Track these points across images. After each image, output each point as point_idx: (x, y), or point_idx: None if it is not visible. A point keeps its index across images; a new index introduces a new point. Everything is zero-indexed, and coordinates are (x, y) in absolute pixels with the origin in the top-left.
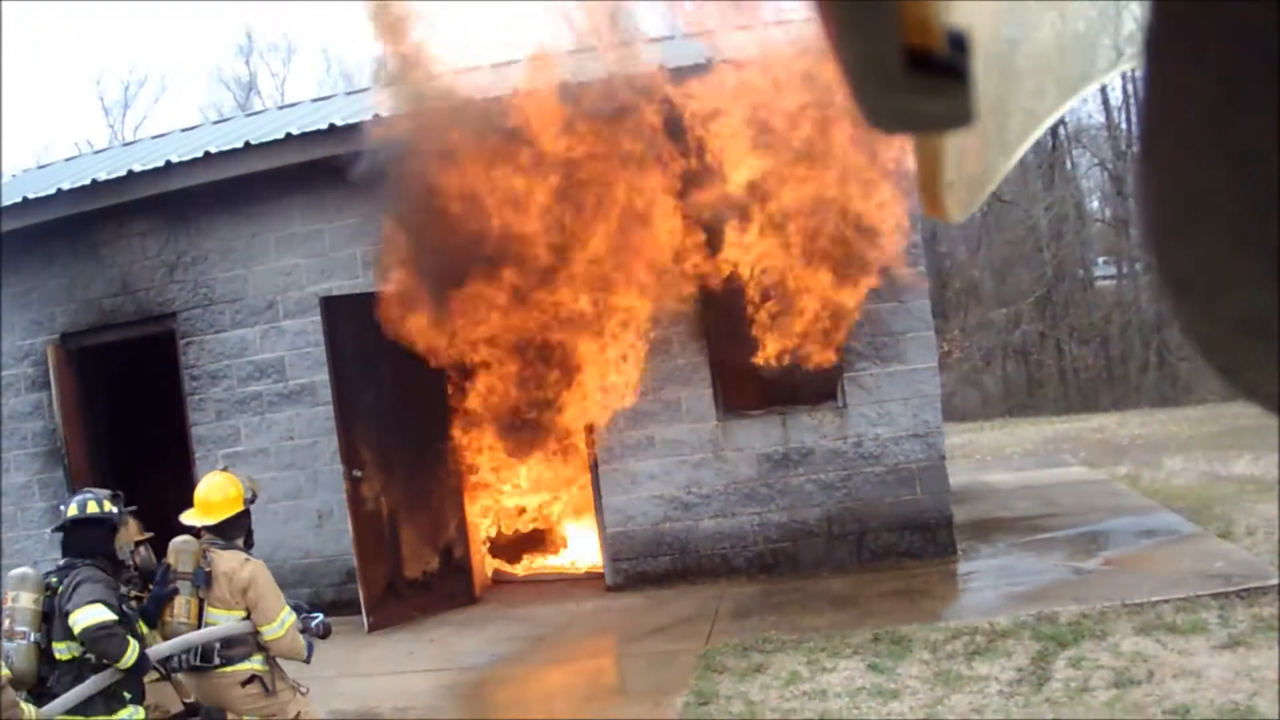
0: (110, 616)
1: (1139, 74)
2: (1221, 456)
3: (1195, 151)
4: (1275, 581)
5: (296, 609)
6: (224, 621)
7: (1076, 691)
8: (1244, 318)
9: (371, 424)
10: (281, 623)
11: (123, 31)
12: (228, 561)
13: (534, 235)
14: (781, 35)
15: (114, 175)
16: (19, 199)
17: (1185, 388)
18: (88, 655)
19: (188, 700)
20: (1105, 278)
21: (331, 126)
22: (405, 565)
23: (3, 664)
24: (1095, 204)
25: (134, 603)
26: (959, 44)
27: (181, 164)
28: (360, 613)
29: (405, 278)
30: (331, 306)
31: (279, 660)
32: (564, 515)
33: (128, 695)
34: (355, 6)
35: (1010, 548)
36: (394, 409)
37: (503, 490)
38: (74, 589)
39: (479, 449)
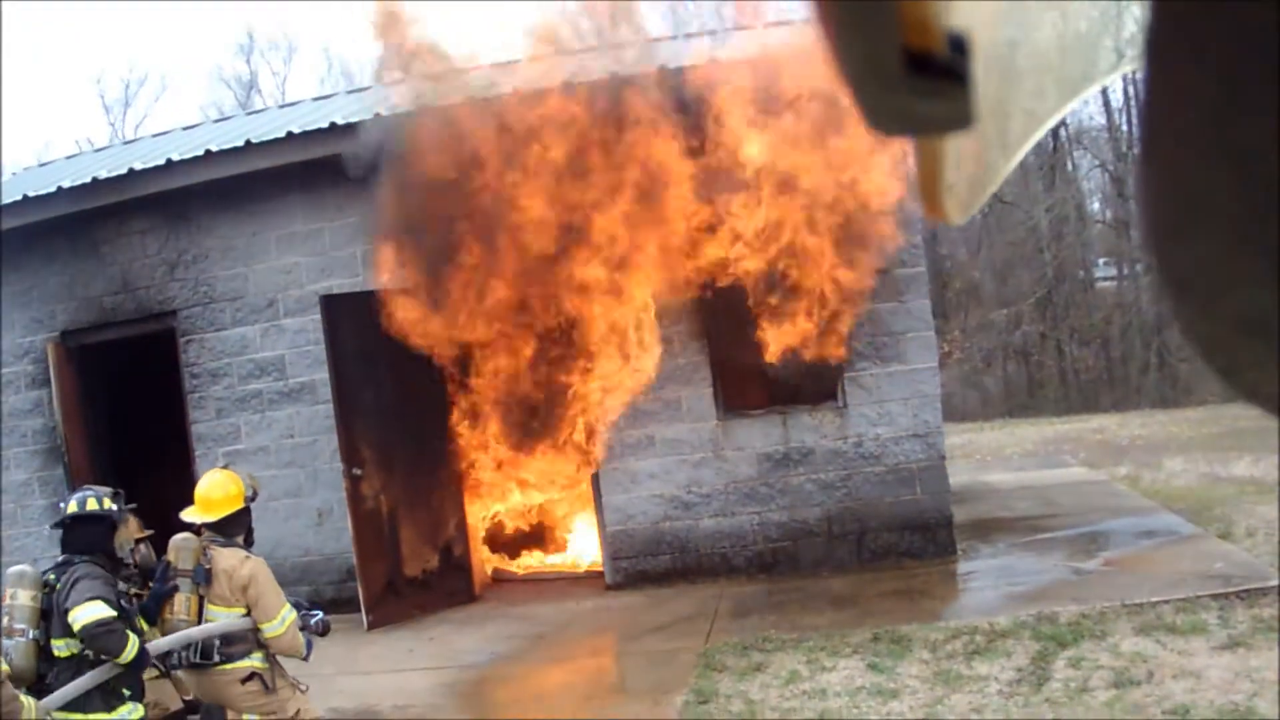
0: (109, 613)
1: (1139, 75)
2: (1222, 458)
3: (1195, 151)
4: (1275, 583)
5: (296, 606)
6: (224, 619)
7: (1076, 691)
8: (1244, 318)
9: (371, 422)
10: (282, 620)
11: (123, 30)
12: (228, 559)
13: (537, 228)
14: (782, 35)
15: (115, 173)
16: (19, 197)
17: (1185, 389)
18: (87, 652)
19: (187, 698)
20: (1106, 279)
21: (332, 125)
22: (405, 563)
23: (2, 660)
24: (1096, 205)
25: (133, 600)
26: (959, 46)
27: (182, 162)
28: (360, 611)
29: (406, 272)
30: (332, 305)
31: (278, 658)
32: (564, 514)
33: (127, 692)
34: (356, 5)
35: (1010, 548)
36: (394, 407)
37: (503, 488)
38: (71, 585)
39: (479, 446)
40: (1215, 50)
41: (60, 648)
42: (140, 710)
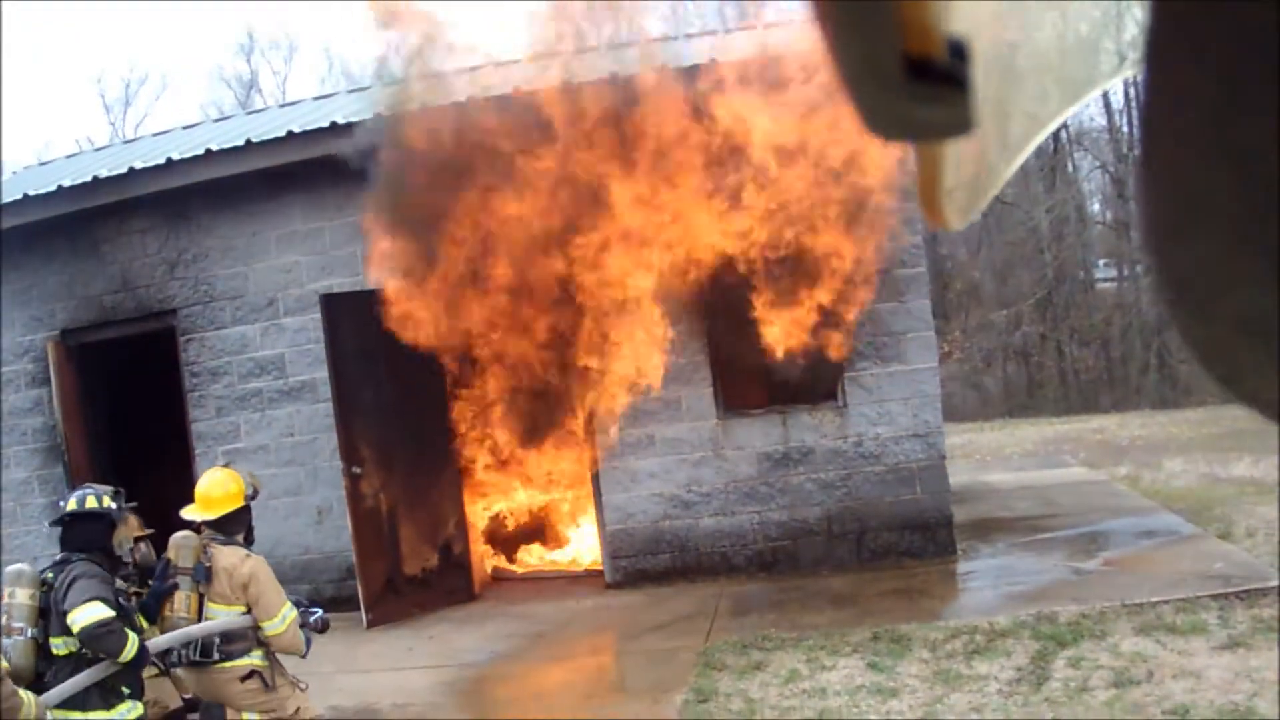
0: (108, 613)
1: (1140, 76)
2: (1221, 458)
3: (1195, 152)
4: (1275, 583)
5: (295, 604)
6: (224, 617)
7: (1076, 691)
8: (1243, 320)
9: (371, 421)
10: (283, 618)
11: (123, 30)
12: (228, 557)
13: (537, 226)
14: (783, 34)
15: (115, 172)
16: (20, 196)
17: (1185, 390)
18: (85, 650)
19: (186, 696)
20: (1106, 280)
21: (333, 124)
22: (404, 562)
23: (1, 657)
24: (1096, 207)
25: (132, 598)
26: (959, 51)
27: (182, 161)
28: (359, 609)
29: (406, 271)
30: (331, 304)
31: (278, 656)
32: (564, 512)
33: (126, 689)
34: (357, 5)
35: (1010, 548)
36: (394, 406)
37: (502, 487)
38: (69, 585)
39: (479, 445)
40: (1215, 50)
41: (58, 646)
42: (139, 708)
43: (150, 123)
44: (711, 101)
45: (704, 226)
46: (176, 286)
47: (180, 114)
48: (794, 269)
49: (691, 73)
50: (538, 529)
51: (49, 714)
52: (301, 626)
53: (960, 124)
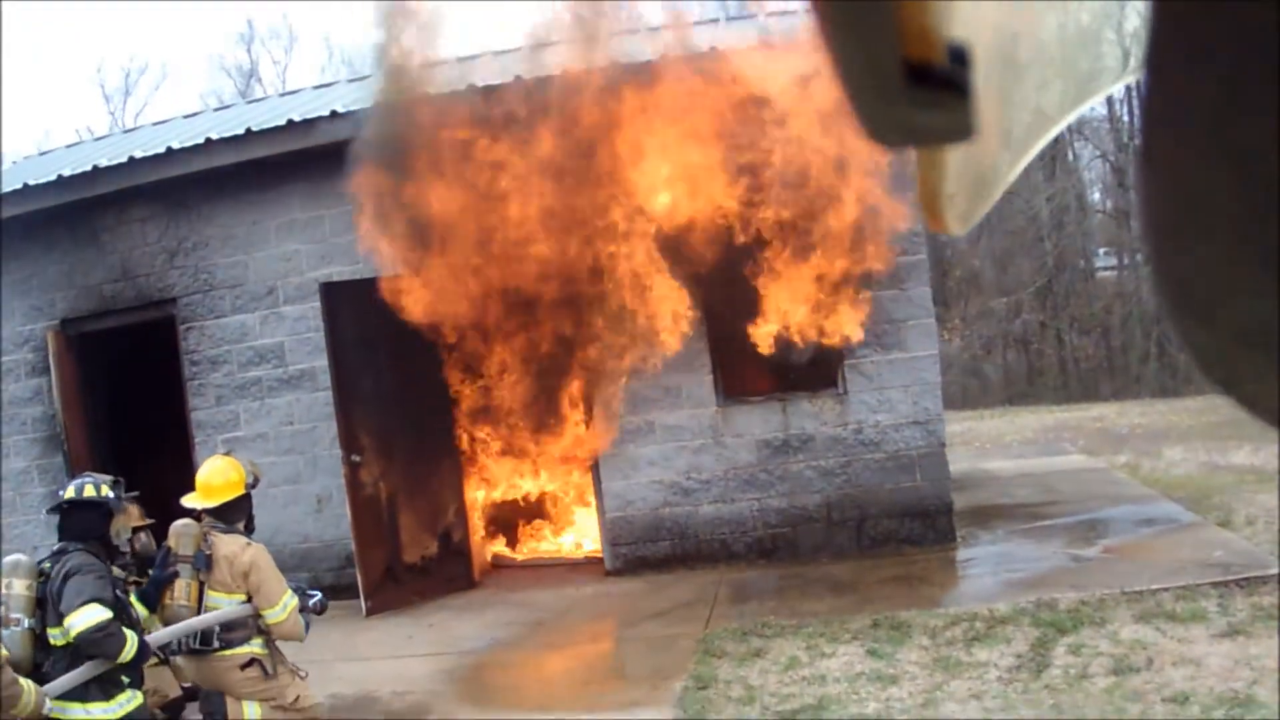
0: (105, 616)
1: (1142, 77)
2: (1221, 446)
3: (1195, 153)
4: (1275, 571)
5: (294, 589)
6: (224, 604)
7: (1076, 678)
8: (1243, 328)
9: (371, 409)
10: (284, 606)
11: (124, 19)
12: (228, 545)
13: (536, 211)
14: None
15: (115, 161)
16: (20, 185)
17: (1185, 378)
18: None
19: (186, 685)
20: (1106, 268)
21: (333, 113)
22: (404, 550)
23: (1, 645)
24: (1097, 195)
25: (131, 587)
26: (959, 56)
27: (182, 150)
28: (359, 597)
29: (405, 257)
30: (331, 292)
31: (278, 643)
32: (564, 500)
33: (126, 679)
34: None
35: (1010, 535)
36: (393, 394)
37: (502, 474)
38: (64, 579)
39: (479, 432)
40: (1215, 52)
41: (56, 636)
42: (139, 698)
43: (150, 112)
44: (712, 86)
45: (705, 210)
46: (176, 275)
47: (180, 103)
48: (795, 252)
49: (696, 58)
50: (537, 516)
51: (48, 703)
52: (301, 611)
53: (961, 130)
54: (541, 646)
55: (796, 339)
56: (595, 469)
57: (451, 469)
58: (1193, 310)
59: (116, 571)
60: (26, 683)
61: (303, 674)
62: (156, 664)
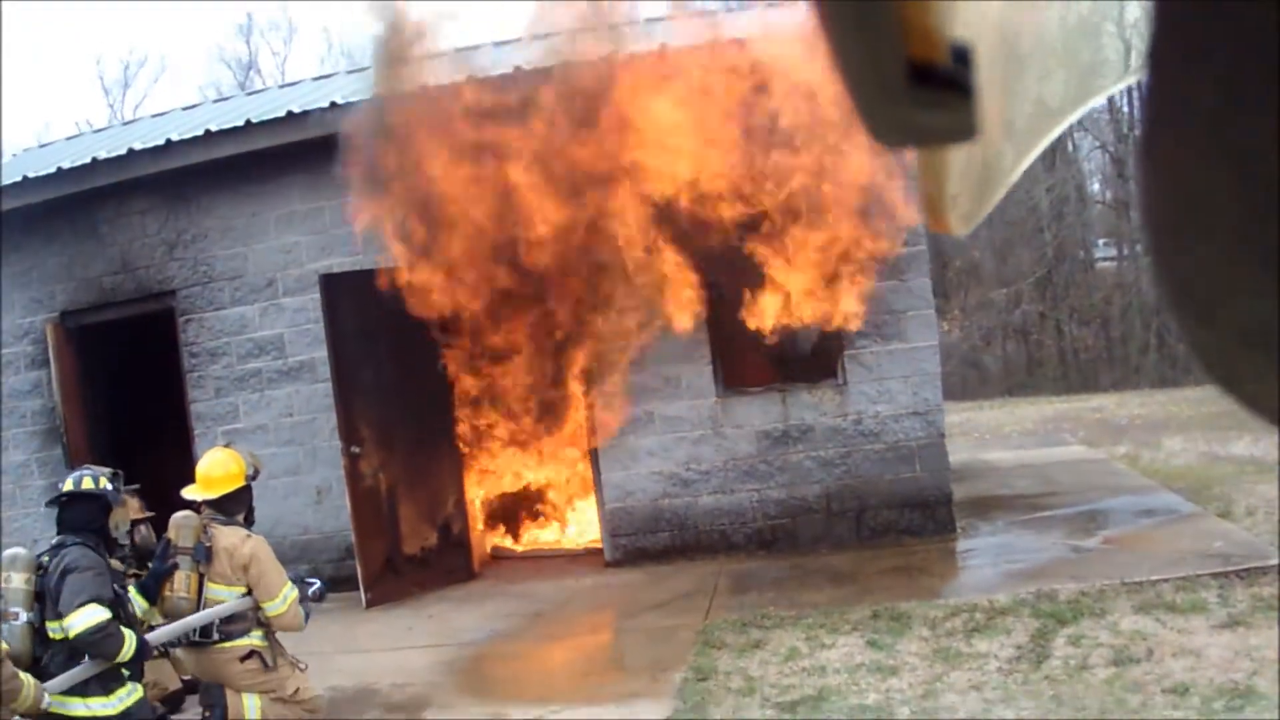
0: (104, 617)
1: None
2: (1221, 437)
3: (1195, 153)
4: (1275, 561)
5: (293, 579)
6: (224, 596)
7: (1076, 669)
8: (1244, 329)
9: (370, 400)
10: (284, 599)
11: (123, 12)
12: (229, 537)
13: (535, 199)
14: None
15: (114, 154)
16: (19, 178)
17: (1185, 369)
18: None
19: (186, 677)
20: (1106, 259)
21: (332, 104)
22: (404, 541)
23: (1, 639)
24: (1096, 186)
25: (130, 580)
26: (962, 57)
27: (182, 142)
28: (359, 589)
29: (404, 247)
30: (331, 283)
31: (277, 635)
32: (563, 491)
33: (126, 673)
34: None
35: (1009, 526)
36: (393, 386)
37: (502, 466)
38: (61, 575)
39: (478, 424)
40: (1214, 51)
41: (55, 630)
42: (139, 692)
43: (149, 104)
44: (712, 72)
45: (705, 197)
46: (176, 267)
47: (179, 96)
48: (796, 239)
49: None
50: (537, 508)
51: (46, 698)
52: (301, 601)
53: (964, 130)
54: (541, 638)
55: (797, 323)
56: (595, 460)
57: (451, 460)
58: (1193, 309)
59: (115, 564)
60: (26, 677)
61: (302, 666)
62: (157, 657)
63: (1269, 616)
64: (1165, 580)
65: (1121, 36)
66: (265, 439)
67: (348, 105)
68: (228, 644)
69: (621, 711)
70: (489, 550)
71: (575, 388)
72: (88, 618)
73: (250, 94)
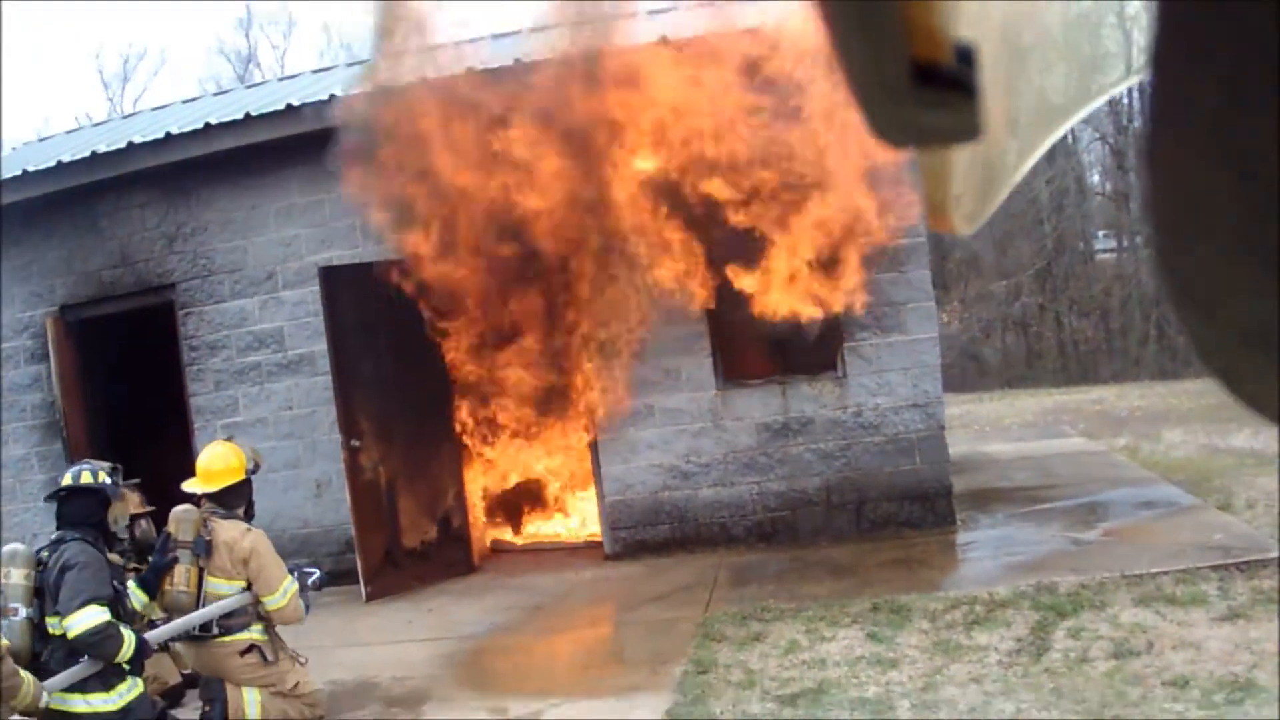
0: (103, 618)
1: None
2: (1221, 429)
3: (1197, 153)
4: (1275, 554)
5: (291, 569)
6: (223, 590)
7: (1076, 662)
8: (1245, 329)
9: (370, 394)
10: (284, 592)
11: (122, 5)
12: (228, 531)
13: (534, 189)
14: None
15: (114, 147)
16: (19, 172)
17: (1185, 361)
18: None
19: (186, 671)
20: (1105, 251)
21: (332, 97)
22: (403, 535)
23: (2, 635)
24: (1096, 178)
25: (130, 574)
26: (966, 57)
27: (181, 135)
28: (358, 582)
29: (403, 240)
30: (331, 276)
31: (277, 629)
32: (563, 484)
33: (126, 668)
34: None
35: (1009, 518)
36: (393, 379)
37: (501, 459)
38: (60, 571)
39: (478, 417)
40: (1216, 52)
41: (54, 625)
42: (140, 686)
43: (149, 98)
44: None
45: (702, 187)
46: (175, 261)
47: (178, 89)
48: (796, 228)
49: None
50: (537, 501)
51: (45, 696)
52: (301, 591)
53: (968, 129)
54: (541, 631)
55: (801, 306)
56: (594, 452)
57: (451, 453)
58: (1195, 309)
59: (115, 558)
60: (26, 675)
61: (302, 660)
62: (156, 651)
63: (1269, 609)
64: (1165, 573)
65: (1122, 28)
66: (265, 432)
67: (347, 98)
68: (227, 638)
69: (621, 704)
70: (489, 543)
71: (575, 380)
72: (87, 619)
73: (249, 87)
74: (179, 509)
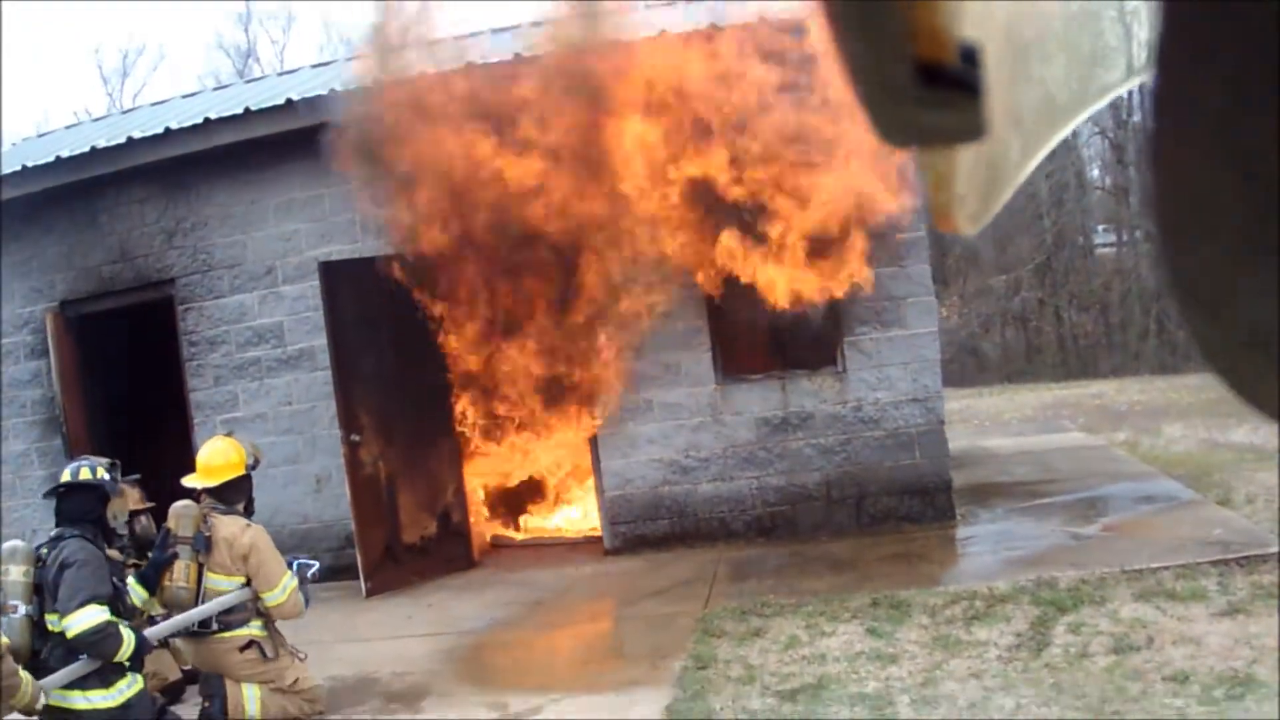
0: (102, 618)
1: (1149, 80)
2: (1220, 424)
3: (1201, 153)
4: (1275, 549)
5: (289, 562)
6: (223, 586)
7: (1076, 657)
8: (1249, 329)
9: (370, 389)
10: (283, 588)
11: (122, 1)
12: (228, 527)
13: (533, 184)
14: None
15: (113, 142)
16: (19, 167)
17: (1185, 355)
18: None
19: (186, 667)
20: (1105, 245)
21: (332, 92)
22: (403, 530)
23: (2, 634)
24: (1096, 172)
25: (130, 570)
26: (970, 57)
27: (181, 130)
28: (358, 578)
29: (403, 235)
30: (330, 271)
31: (277, 625)
32: (562, 479)
33: (126, 664)
34: None
35: (1009, 513)
36: (393, 374)
37: (501, 454)
38: (59, 569)
39: (478, 412)
40: (1220, 52)
41: (54, 622)
42: (140, 683)
43: (148, 93)
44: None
45: (706, 180)
46: (175, 256)
47: (178, 84)
48: (795, 223)
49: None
50: (536, 496)
51: (43, 697)
52: (301, 584)
53: (972, 129)
54: (541, 626)
55: (803, 294)
56: (594, 447)
57: (451, 449)
58: (1200, 309)
59: (114, 554)
60: (25, 675)
61: (302, 656)
62: (156, 647)
63: (1269, 604)
64: (1165, 568)
65: (1123, 22)
66: (264, 427)
67: (347, 93)
68: (227, 634)
69: (621, 699)
70: (488, 538)
71: (574, 374)
72: (86, 619)
73: (249, 82)
74: (178, 505)
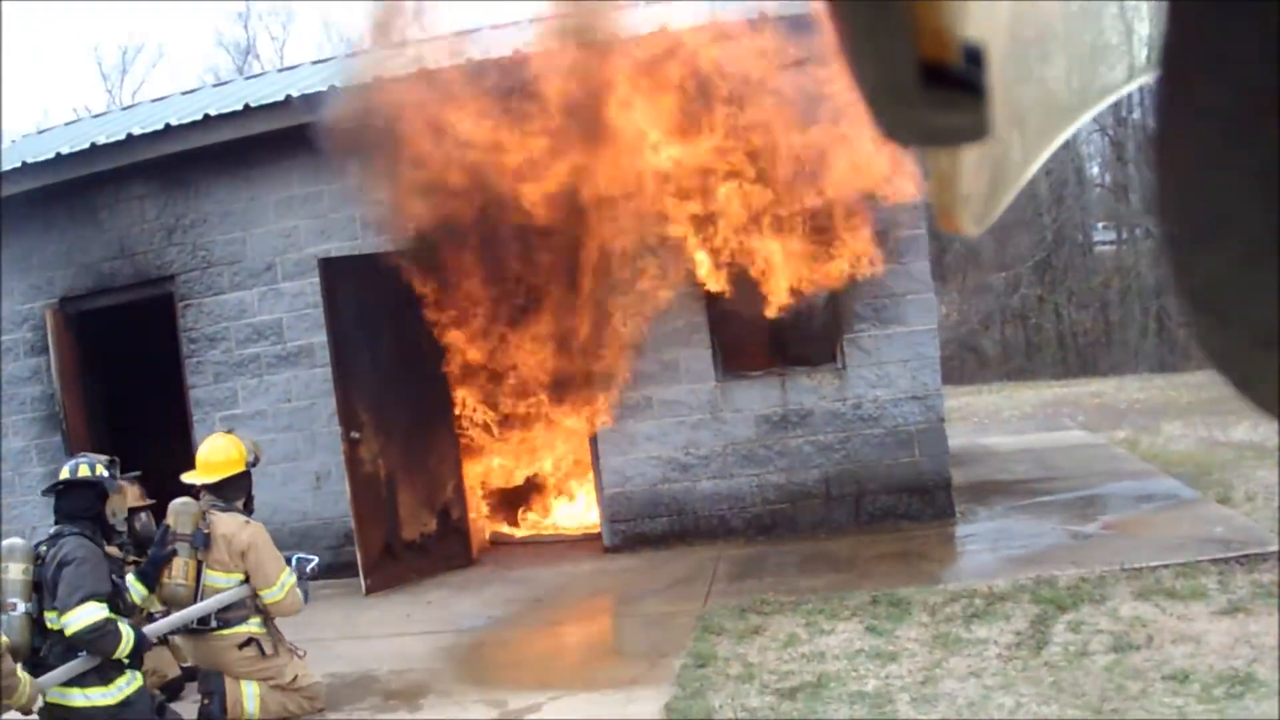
0: (101, 615)
1: (1154, 82)
2: (1220, 422)
3: (1210, 157)
4: (1275, 548)
5: (288, 558)
6: (222, 583)
7: (1075, 655)
8: (1257, 331)
9: (369, 386)
10: (282, 586)
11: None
12: (227, 524)
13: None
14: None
15: (113, 139)
16: (18, 163)
17: (1184, 353)
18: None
19: (185, 664)
20: (1105, 243)
21: (331, 88)
22: (403, 527)
23: (1, 633)
24: (1095, 169)
25: (129, 567)
26: (974, 57)
27: (180, 127)
28: (358, 575)
29: (402, 232)
30: (330, 268)
31: (276, 622)
32: (562, 476)
33: (125, 661)
34: None
35: (1008, 511)
36: (392, 371)
37: (501, 451)
38: (58, 567)
39: (477, 409)
40: (1230, 55)
41: (53, 620)
42: (139, 680)
43: (147, 90)
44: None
45: (706, 177)
46: (174, 252)
47: (177, 81)
48: (796, 221)
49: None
50: (536, 493)
51: (41, 698)
52: (300, 579)
53: (976, 129)
54: (540, 624)
55: (804, 290)
56: (593, 445)
57: (450, 446)
58: (1208, 311)
59: (113, 551)
60: (24, 675)
61: (301, 653)
62: (155, 644)
63: (1269, 603)
64: (1165, 566)
65: (1123, 19)
66: (264, 424)
67: (346, 89)
68: (226, 631)
69: (620, 697)
70: (488, 536)
71: (574, 371)
72: (85, 616)
73: (249, 78)
74: (177, 501)
